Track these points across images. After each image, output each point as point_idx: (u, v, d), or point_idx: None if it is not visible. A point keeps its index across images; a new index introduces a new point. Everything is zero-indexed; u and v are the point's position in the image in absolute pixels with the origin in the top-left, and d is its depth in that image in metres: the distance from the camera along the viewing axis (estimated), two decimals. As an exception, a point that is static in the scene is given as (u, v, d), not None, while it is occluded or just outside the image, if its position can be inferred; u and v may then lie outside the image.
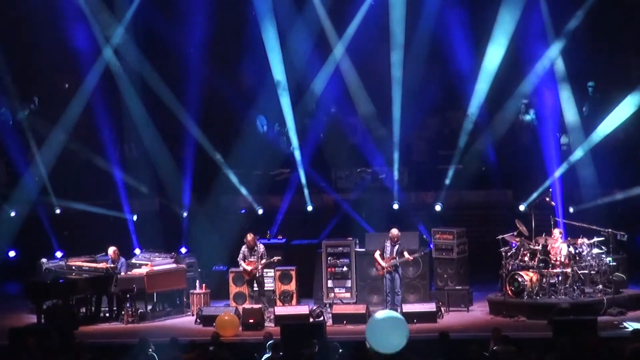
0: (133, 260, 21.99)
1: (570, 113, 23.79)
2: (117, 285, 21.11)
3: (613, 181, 23.44)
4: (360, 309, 20.40)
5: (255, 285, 21.19)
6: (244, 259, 21.17)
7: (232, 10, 24.23)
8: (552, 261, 20.39)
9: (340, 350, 15.08)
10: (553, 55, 23.46)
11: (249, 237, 21.24)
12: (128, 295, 20.89)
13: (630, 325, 18.01)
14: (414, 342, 14.86)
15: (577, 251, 20.43)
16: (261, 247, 21.28)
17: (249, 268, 21.07)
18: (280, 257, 21.35)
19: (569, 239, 20.64)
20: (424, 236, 22.49)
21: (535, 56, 23.56)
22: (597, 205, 23.10)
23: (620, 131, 23.42)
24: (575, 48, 23.31)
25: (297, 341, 15.63)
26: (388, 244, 20.77)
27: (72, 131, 24.68)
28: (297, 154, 24.42)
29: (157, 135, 24.67)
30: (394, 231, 20.81)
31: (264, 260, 21.12)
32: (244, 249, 21.24)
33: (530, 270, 20.35)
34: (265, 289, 21.45)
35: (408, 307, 20.20)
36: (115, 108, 24.72)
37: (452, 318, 20.44)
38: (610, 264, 20.46)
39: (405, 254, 20.57)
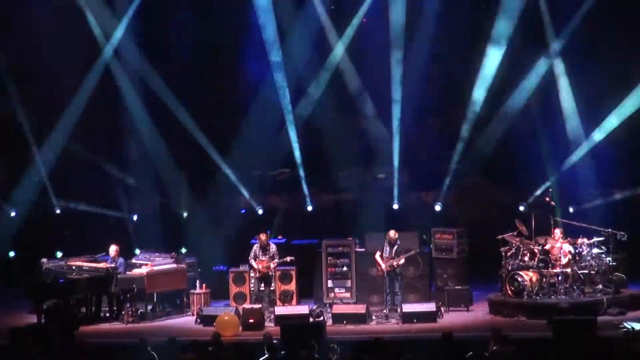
0: (133, 260, 21.98)
1: (570, 112, 23.78)
2: (117, 285, 21.12)
3: (613, 181, 23.45)
4: (360, 309, 20.40)
5: (263, 285, 21.20)
6: (255, 257, 21.19)
7: (233, 9, 24.21)
8: (552, 261, 20.41)
9: (339, 350, 15.14)
10: (553, 55, 23.47)
11: (262, 236, 21.27)
12: (128, 295, 20.90)
13: (631, 325, 18.00)
14: (415, 342, 14.92)
15: (577, 251, 20.45)
16: (273, 247, 21.31)
17: (258, 267, 21.08)
18: (293, 257, 21.34)
19: (568, 238, 20.64)
20: (424, 236, 22.51)
21: (535, 56, 23.56)
22: (597, 205, 23.11)
23: (620, 131, 23.41)
24: (575, 48, 23.29)
25: (297, 341, 15.65)
26: (386, 245, 20.83)
27: (72, 131, 24.68)
28: (297, 154, 24.45)
29: (157, 135, 24.68)
30: (392, 233, 20.89)
31: (276, 260, 21.13)
32: (255, 247, 21.27)
33: (530, 270, 20.36)
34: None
35: (408, 307, 20.20)
36: (115, 108, 24.70)
37: (452, 318, 20.43)
38: (610, 264, 20.47)
39: (401, 258, 20.67)
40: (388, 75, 23.72)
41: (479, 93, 23.64)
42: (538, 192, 23.07)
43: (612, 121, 23.22)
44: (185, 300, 21.82)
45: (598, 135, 23.36)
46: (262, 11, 23.67)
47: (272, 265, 21.17)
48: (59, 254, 23.15)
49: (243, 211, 24.93)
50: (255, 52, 24.00)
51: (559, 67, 23.56)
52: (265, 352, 15.15)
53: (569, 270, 20.25)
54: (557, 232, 20.67)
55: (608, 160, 23.24)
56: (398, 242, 20.91)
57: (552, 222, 20.85)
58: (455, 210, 23.87)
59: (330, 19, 24.17)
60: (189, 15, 24.15)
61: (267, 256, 21.18)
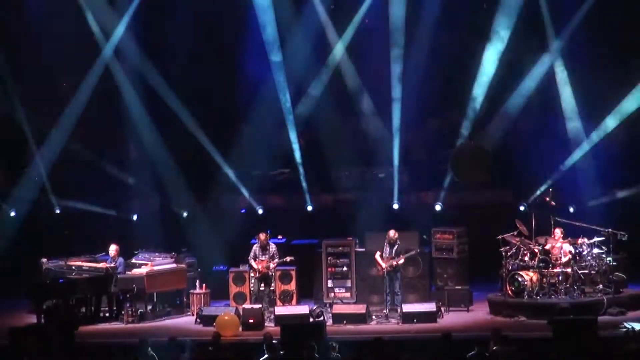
0: (133, 260, 21.98)
1: (570, 112, 23.76)
2: (117, 285, 21.11)
3: (613, 181, 23.43)
4: (360, 309, 20.40)
5: (263, 285, 21.19)
6: (255, 257, 21.18)
7: (233, 9, 24.19)
8: (552, 261, 20.40)
9: (337, 348, 15.16)
10: (553, 55, 23.47)
11: (262, 236, 21.25)
12: (128, 295, 20.89)
13: (631, 325, 18.00)
14: (415, 342, 14.90)
15: (577, 251, 20.44)
16: (273, 247, 21.29)
17: (258, 267, 21.07)
18: (292, 257, 21.32)
19: (569, 238, 20.64)
20: (424, 236, 22.49)
21: (534, 56, 23.55)
22: (597, 205, 23.10)
23: (620, 131, 23.40)
24: (575, 48, 23.28)
25: (297, 341, 15.66)
26: (386, 245, 20.82)
27: (72, 131, 24.66)
28: (297, 154, 24.44)
29: (157, 135, 24.66)
30: (391, 233, 20.89)
31: (276, 260, 21.12)
32: (255, 247, 21.27)
33: (531, 270, 20.36)
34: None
35: (408, 307, 20.20)
36: (115, 108, 24.68)
37: (452, 318, 20.43)
38: (610, 263, 20.47)
39: (401, 258, 20.66)
40: (388, 74, 23.71)
41: (479, 92, 23.64)
42: (538, 192, 23.05)
43: (612, 121, 23.22)
44: (185, 300, 21.83)
45: (598, 135, 23.36)
46: (262, 11, 23.66)
47: (271, 265, 21.17)
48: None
49: (243, 211, 24.92)
50: (255, 52, 23.98)
51: (559, 67, 23.54)
52: (265, 352, 15.16)
53: (569, 270, 20.25)
54: (558, 232, 20.66)
55: (608, 160, 23.24)
56: (398, 242, 20.90)
57: (552, 222, 20.84)
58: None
59: (330, 18, 24.15)
60: (189, 15, 24.11)
61: (266, 256, 21.17)
